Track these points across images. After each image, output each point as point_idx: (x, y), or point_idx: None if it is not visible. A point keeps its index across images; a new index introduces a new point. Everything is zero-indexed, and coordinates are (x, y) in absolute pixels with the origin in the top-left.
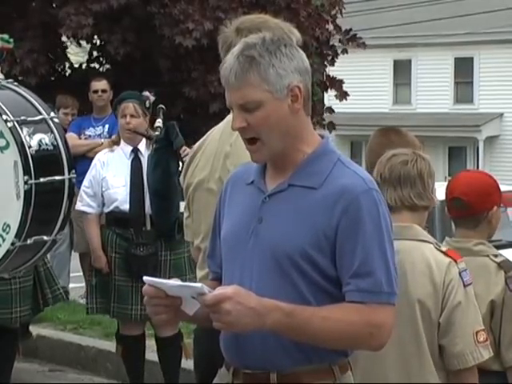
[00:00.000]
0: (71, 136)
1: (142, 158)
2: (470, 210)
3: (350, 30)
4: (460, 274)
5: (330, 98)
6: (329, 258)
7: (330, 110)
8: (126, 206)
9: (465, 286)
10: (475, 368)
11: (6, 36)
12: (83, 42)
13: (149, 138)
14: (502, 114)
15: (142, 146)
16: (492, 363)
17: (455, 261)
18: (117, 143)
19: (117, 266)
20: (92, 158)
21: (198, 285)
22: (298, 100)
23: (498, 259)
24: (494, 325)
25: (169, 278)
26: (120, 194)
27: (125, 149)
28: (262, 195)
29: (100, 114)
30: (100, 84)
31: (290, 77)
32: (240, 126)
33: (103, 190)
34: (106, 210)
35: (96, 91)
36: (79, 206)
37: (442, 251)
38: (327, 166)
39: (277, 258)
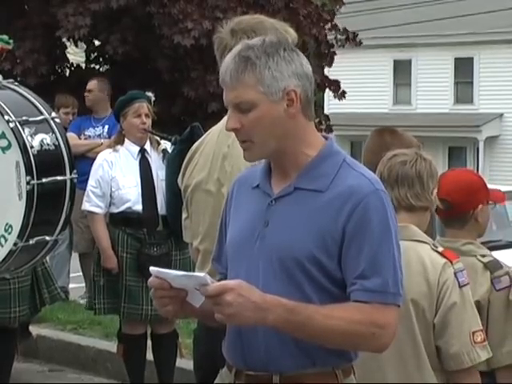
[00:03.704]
0: (71, 136)
1: (149, 158)
2: (455, 209)
3: (346, 29)
4: (455, 274)
5: (329, 98)
6: (336, 261)
7: (327, 117)
8: (138, 207)
9: (460, 286)
10: (475, 369)
11: (5, 37)
12: (82, 43)
13: (167, 140)
14: (501, 114)
15: (147, 145)
16: (478, 363)
17: (451, 261)
18: (120, 143)
19: (128, 266)
20: (92, 158)
21: (201, 274)
22: (294, 104)
23: (485, 259)
24: None
25: None
26: (132, 195)
27: (130, 148)
28: (267, 199)
29: (99, 114)
30: (90, 84)
31: (286, 80)
32: (234, 126)
33: (113, 190)
34: (116, 210)
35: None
36: (87, 206)
37: (438, 252)
38: (333, 168)
39: (283, 261)
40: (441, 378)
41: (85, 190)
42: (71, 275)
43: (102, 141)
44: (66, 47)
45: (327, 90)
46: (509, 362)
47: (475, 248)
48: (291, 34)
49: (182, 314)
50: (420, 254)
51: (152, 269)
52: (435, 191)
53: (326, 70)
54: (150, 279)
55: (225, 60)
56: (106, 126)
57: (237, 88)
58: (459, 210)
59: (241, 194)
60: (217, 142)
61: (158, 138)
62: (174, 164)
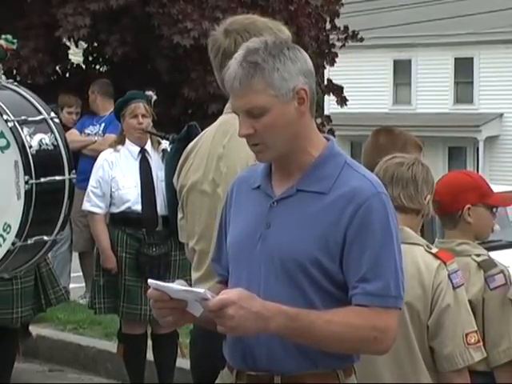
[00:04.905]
0: (72, 132)
1: (149, 158)
2: (442, 208)
3: (347, 27)
4: (449, 276)
5: (330, 98)
6: (338, 263)
7: (328, 119)
8: (138, 207)
9: (454, 288)
10: (465, 370)
11: (9, 37)
12: (82, 43)
13: (165, 139)
14: (501, 114)
15: (148, 146)
16: (477, 364)
17: (445, 262)
18: (121, 143)
19: (127, 266)
20: (93, 157)
21: (201, 290)
22: (305, 102)
23: (480, 259)
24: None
25: (178, 277)
26: (132, 195)
27: (131, 149)
28: (269, 200)
29: (100, 113)
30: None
31: (294, 80)
32: (247, 132)
33: (113, 190)
34: (116, 210)
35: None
36: (87, 206)
37: (432, 253)
38: (335, 170)
39: (285, 263)
40: (436, 378)
41: (84, 189)
42: (71, 275)
43: (96, 138)
44: (69, 48)
45: (331, 93)
46: (506, 360)
47: (470, 248)
48: (285, 33)
49: (182, 323)
50: (414, 257)
51: (150, 281)
52: (429, 197)
53: (327, 71)
54: (149, 291)
55: (230, 66)
56: (103, 125)
57: (247, 94)
58: (446, 209)
59: (241, 195)
60: (212, 143)
61: (159, 138)
62: (172, 163)
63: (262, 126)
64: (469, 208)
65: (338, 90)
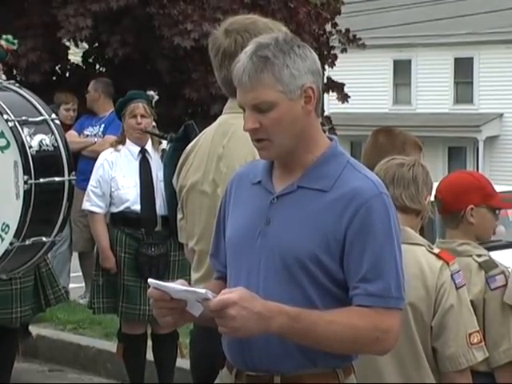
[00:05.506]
0: (71, 133)
1: (149, 159)
2: (445, 208)
3: (348, 30)
4: (452, 276)
5: (330, 98)
6: (338, 262)
7: (329, 119)
8: (137, 207)
9: (457, 288)
10: (467, 370)
11: (10, 37)
12: (83, 43)
13: (163, 138)
14: (501, 114)
15: (149, 146)
16: (479, 364)
17: (447, 263)
18: (122, 143)
19: (126, 265)
20: (91, 157)
21: (203, 291)
22: (311, 101)
23: (481, 259)
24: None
25: (177, 277)
26: (131, 195)
27: (131, 149)
28: (269, 196)
29: (99, 114)
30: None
31: (303, 78)
32: (253, 126)
33: (112, 190)
34: (115, 210)
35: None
36: (87, 206)
37: (434, 253)
38: (337, 169)
39: (285, 260)
40: (437, 378)
41: (84, 189)
42: (71, 275)
43: (96, 139)
44: (69, 48)
45: (330, 91)
46: (506, 360)
47: (471, 248)
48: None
49: (181, 323)
50: (417, 257)
51: (151, 281)
52: (428, 198)
53: (326, 71)
54: (150, 290)
55: (239, 60)
56: (102, 125)
57: (256, 88)
58: (449, 209)
59: (240, 190)
60: (211, 143)
61: (159, 138)
62: (171, 163)
63: (268, 121)
64: (472, 208)
65: (338, 88)
